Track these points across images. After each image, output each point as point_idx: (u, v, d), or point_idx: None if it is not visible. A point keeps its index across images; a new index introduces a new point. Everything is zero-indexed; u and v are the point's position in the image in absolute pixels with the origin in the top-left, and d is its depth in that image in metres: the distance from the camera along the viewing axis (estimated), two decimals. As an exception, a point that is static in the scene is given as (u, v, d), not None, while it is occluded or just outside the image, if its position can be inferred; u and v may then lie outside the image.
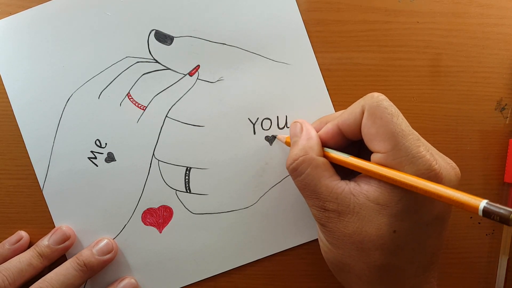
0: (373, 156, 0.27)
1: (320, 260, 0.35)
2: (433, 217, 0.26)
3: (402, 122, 0.26)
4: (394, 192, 0.25)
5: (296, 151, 0.28)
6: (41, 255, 0.33)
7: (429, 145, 0.28)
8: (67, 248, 0.34)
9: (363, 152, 0.29)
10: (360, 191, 0.26)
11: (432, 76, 0.36)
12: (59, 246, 0.34)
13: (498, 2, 0.35)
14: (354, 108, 0.28)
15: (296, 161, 0.28)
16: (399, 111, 0.27)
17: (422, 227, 0.26)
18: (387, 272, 0.26)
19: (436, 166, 0.25)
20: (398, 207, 0.25)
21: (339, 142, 0.29)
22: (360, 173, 0.28)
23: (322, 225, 0.28)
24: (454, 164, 0.28)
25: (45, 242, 0.34)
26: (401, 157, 0.25)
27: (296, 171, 0.28)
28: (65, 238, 0.34)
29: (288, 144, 0.33)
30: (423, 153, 0.25)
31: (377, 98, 0.26)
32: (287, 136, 0.33)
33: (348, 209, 0.26)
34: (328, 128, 0.29)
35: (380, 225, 0.25)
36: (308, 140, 0.29)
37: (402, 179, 0.24)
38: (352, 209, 0.26)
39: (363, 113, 0.27)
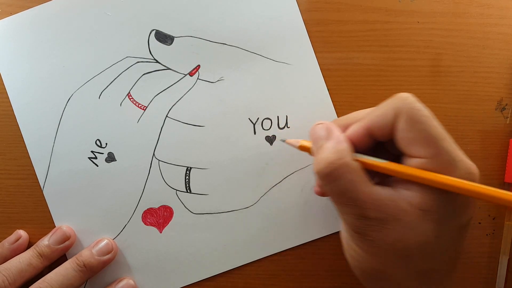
0: (410, 161, 0.25)
1: (320, 260, 0.35)
2: (468, 220, 0.26)
3: (438, 124, 0.25)
4: (438, 197, 0.25)
5: (329, 154, 0.26)
6: (41, 255, 0.33)
7: None
8: (67, 248, 0.34)
9: (380, 152, 0.28)
10: (401, 197, 0.25)
11: (433, 76, 0.36)
12: (59, 246, 0.34)
13: (498, 2, 0.35)
14: (385, 110, 0.26)
15: (332, 166, 0.25)
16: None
17: (460, 230, 0.26)
18: (427, 276, 0.26)
19: (473, 168, 0.25)
20: (441, 212, 0.25)
21: (365, 144, 0.28)
22: (389, 176, 0.27)
23: (360, 233, 0.26)
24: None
25: (45, 242, 0.34)
26: (444, 162, 0.24)
27: (330, 176, 0.25)
28: (65, 238, 0.34)
29: (303, 149, 0.30)
30: (461, 156, 0.25)
31: (411, 100, 0.25)
32: (300, 140, 0.30)
33: (390, 216, 0.25)
34: (356, 131, 0.27)
35: (425, 231, 0.25)
36: (338, 143, 0.26)
37: (457, 184, 0.24)
38: (395, 216, 0.25)
39: (396, 116, 0.25)
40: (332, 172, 0.25)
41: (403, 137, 0.25)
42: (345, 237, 0.28)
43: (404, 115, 0.25)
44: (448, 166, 0.24)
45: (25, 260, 0.33)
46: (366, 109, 0.29)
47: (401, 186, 0.26)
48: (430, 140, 0.24)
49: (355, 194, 0.25)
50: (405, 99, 0.25)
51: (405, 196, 0.25)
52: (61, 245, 0.34)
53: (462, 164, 0.24)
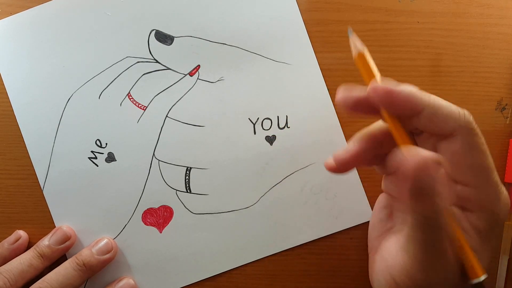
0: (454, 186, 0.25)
1: (320, 260, 0.35)
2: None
3: (489, 154, 0.24)
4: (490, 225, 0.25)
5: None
6: (41, 255, 0.33)
7: None
8: (67, 248, 0.34)
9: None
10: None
11: (433, 76, 0.36)
12: (59, 246, 0.34)
13: (498, 2, 0.35)
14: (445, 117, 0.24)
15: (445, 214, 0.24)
16: None
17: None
18: None
19: (509, 200, 0.25)
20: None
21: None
22: None
23: None
24: None
25: (46, 242, 0.34)
26: (490, 194, 0.24)
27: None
28: (66, 238, 0.34)
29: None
30: (503, 188, 0.25)
31: (472, 123, 0.24)
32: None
33: None
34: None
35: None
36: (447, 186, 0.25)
37: None
38: None
39: (453, 130, 0.24)
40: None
41: (454, 160, 0.24)
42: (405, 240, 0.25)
43: (466, 138, 0.24)
44: (493, 199, 0.24)
45: (26, 261, 0.33)
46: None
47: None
48: (483, 171, 0.24)
49: None
50: (468, 120, 0.24)
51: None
52: (62, 245, 0.34)
53: (504, 197, 0.25)
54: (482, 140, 0.24)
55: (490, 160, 0.24)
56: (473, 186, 0.24)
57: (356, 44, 0.25)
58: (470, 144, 0.24)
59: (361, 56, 0.25)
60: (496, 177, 0.24)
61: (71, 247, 0.35)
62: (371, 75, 0.25)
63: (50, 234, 0.34)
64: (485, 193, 0.24)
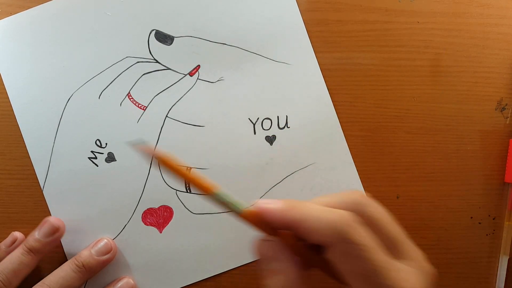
0: None
1: (320, 260, 0.35)
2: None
3: (378, 252, 0.22)
4: None
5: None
6: (31, 250, 0.33)
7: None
8: (57, 239, 0.34)
9: None
10: None
11: (433, 76, 0.36)
12: (49, 239, 0.33)
13: (498, 2, 0.35)
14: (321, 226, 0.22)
15: None
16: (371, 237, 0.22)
17: None
18: None
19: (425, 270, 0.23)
20: None
21: None
22: None
23: None
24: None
25: (35, 236, 0.33)
26: None
27: None
28: (54, 229, 0.34)
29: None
30: (409, 273, 0.23)
31: (345, 232, 0.22)
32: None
33: None
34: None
35: None
36: (292, 268, 0.24)
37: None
38: None
39: (327, 241, 0.22)
40: None
41: (338, 268, 0.23)
42: None
43: (336, 247, 0.22)
44: None
45: (16, 259, 0.32)
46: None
47: None
48: (366, 278, 0.22)
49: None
50: (340, 228, 0.22)
51: None
52: (51, 238, 0.33)
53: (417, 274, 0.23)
54: (361, 246, 0.22)
55: (374, 264, 0.22)
56: None
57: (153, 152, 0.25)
58: (346, 253, 0.22)
59: (163, 160, 0.24)
60: (390, 281, 0.22)
61: (61, 238, 0.34)
62: (204, 185, 0.24)
63: (38, 228, 0.34)
64: None
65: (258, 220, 0.24)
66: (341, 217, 0.22)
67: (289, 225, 0.23)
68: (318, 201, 0.25)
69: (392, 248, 0.24)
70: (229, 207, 0.24)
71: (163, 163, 0.24)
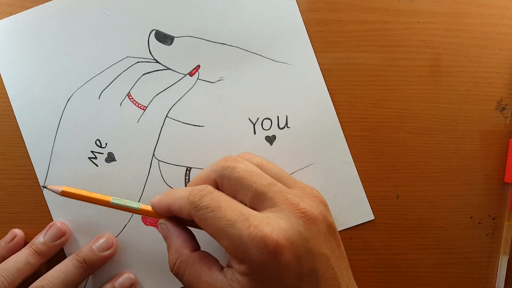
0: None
1: (320, 260, 0.35)
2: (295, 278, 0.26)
3: (228, 210, 0.26)
4: (250, 272, 0.25)
5: (172, 255, 0.29)
6: (37, 252, 0.33)
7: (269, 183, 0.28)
8: (63, 244, 0.34)
9: None
10: (234, 279, 0.26)
11: (433, 76, 0.36)
12: (55, 243, 0.34)
13: (498, 2, 0.35)
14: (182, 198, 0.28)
15: (175, 265, 0.28)
16: (221, 196, 0.27)
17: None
18: None
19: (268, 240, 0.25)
20: (264, 273, 0.25)
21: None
22: None
23: None
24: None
25: (41, 239, 0.34)
26: (238, 248, 0.25)
27: (178, 275, 0.28)
28: (61, 234, 0.34)
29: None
30: (253, 234, 0.25)
31: (193, 196, 0.27)
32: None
33: None
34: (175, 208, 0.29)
35: None
36: (177, 238, 0.29)
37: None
38: None
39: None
40: (176, 270, 0.28)
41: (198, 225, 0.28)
42: None
43: (193, 213, 0.27)
44: (243, 250, 0.25)
45: (22, 259, 0.33)
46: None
47: (233, 262, 0.27)
48: (216, 235, 0.26)
49: (199, 286, 0.27)
50: (192, 193, 0.27)
51: (236, 277, 0.26)
52: (57, 241, 0.34)
53: (256, 242, 0.24)
54: (207, 210, 0.26)
55: (223, 220, 0.26)
56: (224, 247, 0.26)
57: (56, 188, 0.32)
58: (199, 218, 0.27)
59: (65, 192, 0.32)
60: (243, 229, 0.25)
61: (66, 243, 0.34)
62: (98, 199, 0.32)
63: (44, 231, 0.34)
64: (232, 253, 0.26)
65: (152, 212, 0.30)
66: (190, 191, 0.27)
67: (167, 210, 0.29)
68: (191, 181, 0.30)
69: (282, 182, 0.28)
70: (128, 210, 0.31)
71: (66, 195, 0.32)
